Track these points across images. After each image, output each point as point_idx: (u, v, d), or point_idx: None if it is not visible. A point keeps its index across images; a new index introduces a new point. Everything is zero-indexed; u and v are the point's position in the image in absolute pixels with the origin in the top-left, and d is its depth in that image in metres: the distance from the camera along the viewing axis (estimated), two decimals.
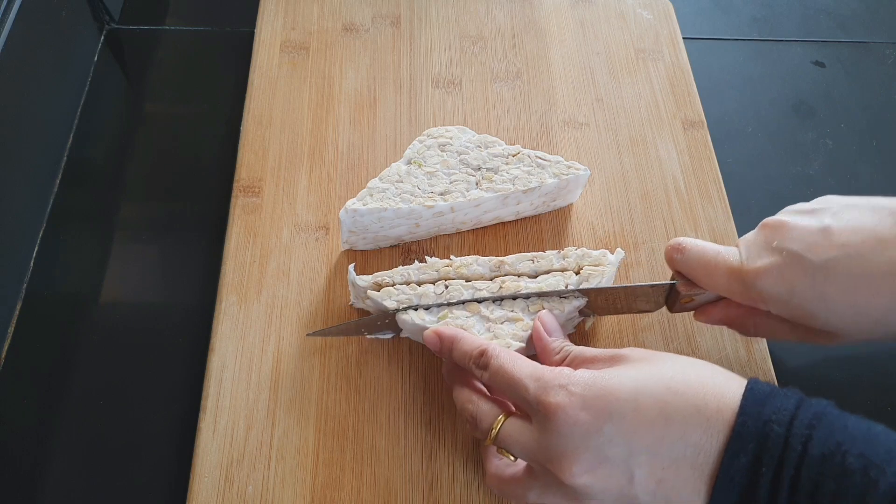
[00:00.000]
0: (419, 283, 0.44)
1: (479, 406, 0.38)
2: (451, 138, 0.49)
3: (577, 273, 0.45)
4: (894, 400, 0.49)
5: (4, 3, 0.49)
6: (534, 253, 0.46)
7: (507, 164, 0.49)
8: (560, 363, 0.39)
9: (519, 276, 0.45)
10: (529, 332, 0.42)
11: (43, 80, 0.54)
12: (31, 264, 0.51)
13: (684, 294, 0.42)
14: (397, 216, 0.47)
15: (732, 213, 0.54)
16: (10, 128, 0.50)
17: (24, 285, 0.50)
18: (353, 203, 0.46)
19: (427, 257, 0.46)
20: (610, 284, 0.46)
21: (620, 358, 0.36)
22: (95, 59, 0.61)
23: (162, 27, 0.64)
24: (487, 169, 0.48)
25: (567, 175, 0.49)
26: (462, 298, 0.44)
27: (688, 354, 0.47)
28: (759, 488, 0.31)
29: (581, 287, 0.43)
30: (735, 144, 0.61)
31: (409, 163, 0.48)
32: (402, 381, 0.45)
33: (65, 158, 0.56)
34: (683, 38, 0.63)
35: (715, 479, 0.32)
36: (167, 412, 0.46)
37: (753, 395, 0.33)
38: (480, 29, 0.62)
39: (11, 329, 0.48)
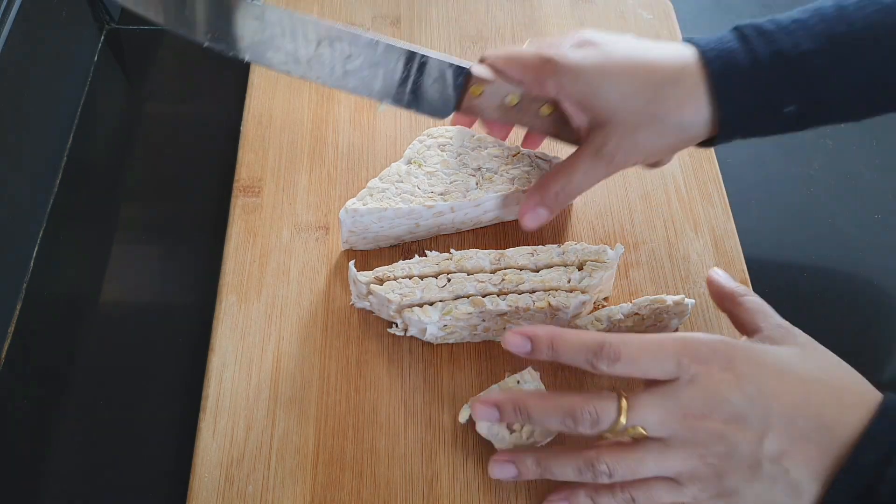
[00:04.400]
0: (421, 277, 0.44)
1: (593, 400, 0.37)
2: (450, 138, 0.49)
3: (580, 269, 0.45)
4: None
5: (4, 3, 0.49)
6: (533, 247, 0.46)
7: (506, 164, 0.49)
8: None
9: (520, 269, 0.45)
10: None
11: (43, 80, 0.54)
12: (31, 264, 0.51)
13: (476, 80, 0.43)
14: (397, 216, 0.47)
15: (732, 213, 0.53)
16: (10, 128, 0.50)
17: (24, 285, 0.50)
18: (353, 203, 0.46)
19: (427, 251, 0.46)
20: (612, 280, 0.47)
21: (787, 336, 0.38)
22: (95, 59, 0.61)
23: (162, 27, 0.64)
24: (487, 169, 0.48)
25: None
26: (467, 291, 0.44)
27: None
28: (882, 484, 0.32)
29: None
30: (735, 144, 0.60)
31: (409, 163, 0.48)
32: (402, 381, 0.45)
33: (65, 158, 0.56)
34: (683, 39, 0.63)
35: (838, 470, 0.33)
36: (167, 412, 0.46)
37: (893, 402, 0.34)
38: (480, 29, 0.62)
39: (11, 329, 0.48)
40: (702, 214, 0.53)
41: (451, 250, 0.46)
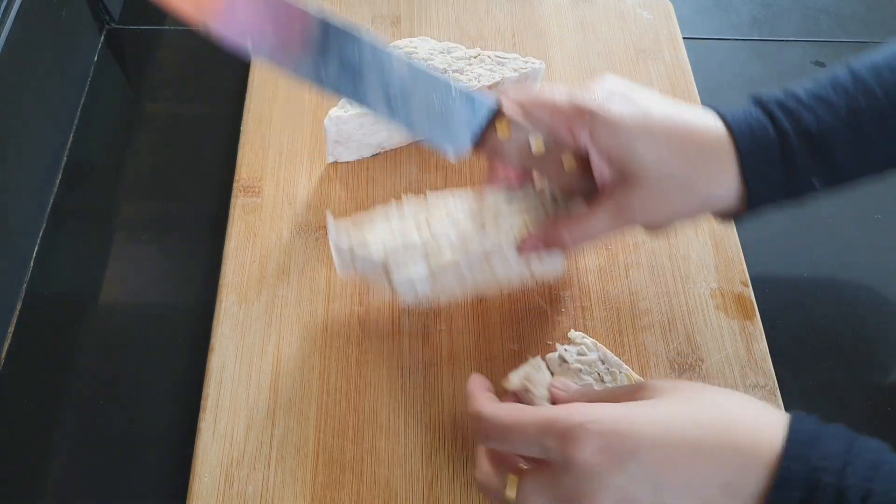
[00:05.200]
0: (400, 227, 0.43)
1: (484, 473, 0.36)
2: (415, 48, 0.53)
3: (556, 201, 0.44)
4: (895, 400, 0.49)
5: (4, 3, 0.49)
6: (509, 190, 0.44)
7: (470, 65, 0.53)
8: (578, 399, 0.37)
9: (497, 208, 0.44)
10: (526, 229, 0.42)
11: (43, 80, 0.54)
12: (31, 264, 0.51)
13: (505, 118, 0.41)
14: (377, 120, 0.50)
15: None
16: (10, 128, 0.50)
17: (24, 285, 0.50)
18: (335, 111, 0.49)
19: (403, 195, 0.46)
20: None
21: (643, 389, 0.35)
22: (95, 59, 0.61)
23: (162, 27, 0.64)
24: (454, 70, 0.52)
25: (525, 69, 0.53)
26: (448, 236, 0.42)
27: (687, 354, 0.47)
28: None
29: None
30: None
31: None
32: (402, 381, 0.45)
33: (65, 158, 0.56)
34: (683, 38, 0.63)
35: None
36: (167, 412, 0.46)
37: (797, 436, 0.31)
38: (480, 29, 0.62)
39: (11, 329, 0.48)
40: None
41: (427, 192, 0.45)
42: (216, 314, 0.47)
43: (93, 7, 0.61)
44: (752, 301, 0.50)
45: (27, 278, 0.50)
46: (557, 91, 0.40)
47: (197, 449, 0.42)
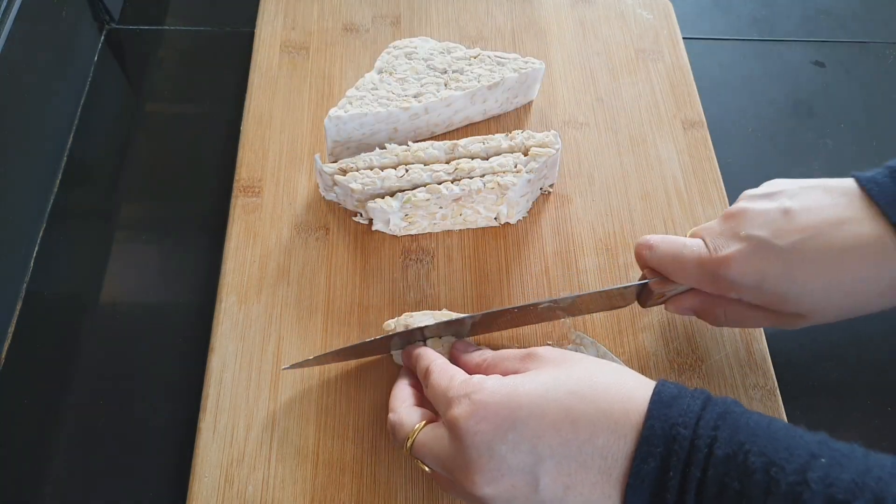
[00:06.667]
0: (382, 168, 0.48)
1: (400, 414, 0.39)
2: (415, 47, 0.54)
3: (525, 154, 0.49)
4: (895, 400, 0.49)
5: (4, 3, 0.49)
6: (484, 136, 0.50)
7: (470, 65, 0.54)
8: (478, 368, 0.39)
9: (472, 157, 0.49)
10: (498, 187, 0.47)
11: (43, 80, 0.54)
12: (31, 264, 0.51)
13: (657, 291, 0.43)
14: (377, 121, 0.51)
15: None
16: (10, 128, 0.50)
17: (24, 285, 0.50)
18: (335, 111, 0.49)
19: (386, 144, 0.49)
20: (556, 168, 0.52)
21: (531, 358, 0.37)
22: (95, 59, 0.61)
23: (162, 27, 0.64)
24: (454, 71, 0.53)
25: (525, 69, 0.54)
26: (423, 180, 0.47)
27: (687, 354, 0.47)
28: (667, 492, 0.30)
29: (560, 298, 0.44)
30: (735, 144, 0.61)
31: (380, 72, 0.53)
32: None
33: (65, 158, 0.56)
34: (683, 38, 0.63)
35: (625, 485, 0.31)
36: (167, 412, 0.46)
37: (660, 397, 0.32)
38: (480, 29, 0.62)
39: (11, 329, 0.48)
40: (702, 214, 0.53)
41: (409, 143, 0.49)
42: (216, 314, 0.47)
43: (93, 7, 0.61)
44: None
45: (27, 278, 0.50)
46: (684, 251, 0.40)
47: (197, 449, 0.42)
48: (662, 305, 0.45)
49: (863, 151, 0.61)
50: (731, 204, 0.54)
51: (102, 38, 0.63)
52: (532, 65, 0.54)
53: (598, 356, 0.43)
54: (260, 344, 0.46)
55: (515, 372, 0.36)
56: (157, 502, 0.43)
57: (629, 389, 0.33)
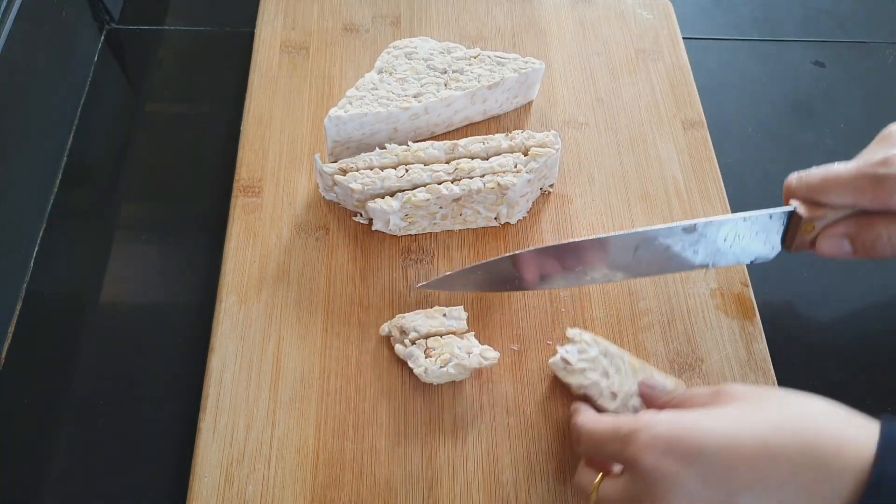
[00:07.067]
0: (382, 168, 0.48)
1: (579, 473, 0.39)
2: (415, 47, 0.54)
3: (525, 154, 0.49)
4: (895, 400, 0.49)
5: (4, 3, 0.49)
6: (484, 136, 0.50)
7: (470, 65, 0.53)
8: (665, 407, 0.39)
9: (472, 157, 0.49)
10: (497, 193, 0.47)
11: (43, 80, 0.54)
12: (31, 264, 0.51)
13: (806, 218, 0.40)
14: (377, 121, 0.50)
15: (732, 213, 0.53)
16: (10, 128, 0.50)
17: (24, 285, 0.50)
18: (335, 111, 0.49)
19: (386, 144, 0.49)
20: (556, 168, 0.51)
21: (721, 394, 0.35)
22: (95, 59, 0.61)
23: (162, 27, 0.64)
24: (454, 71, 0.53)
25: (525, 69, 0.54)
26: (423, 180, 0.47)
27: (687, 354, 0.47)
28: None
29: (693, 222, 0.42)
30: (735, 144, 0.61)
31: (380, 72, 0.52)
32: (402, 381, 0.45)
33: (65, 158, 0.56)
34: (683, 38, 0.63)
35: None
36: (167, 412, 0.46)
37: (891, 442, 0.30)
38: (480, 29, 0.62)
39: (11, 329, 0.48)
40: (702, 214, 0.53)
41: (409, 143, 0.49)
42: (216, 314, 0.47)
43: (93, 7, 0.61)
44: (751, 301, 0.50)
45: (27, 278, 0.50)
46: (837, 167, 0.39)
47: (197, 449, 0.42)
48: (811, 250, 0.42)
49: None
50: (730, 203, 0.54)
51: (102, 38, 0.63)
52: (532, 65, 0.54)
53: (600, 352, 0.43)
54: (260, 344, 0.46)
55: (703, 408, 0.35)
56: (157, 502, 0.43)
57: (841, 426, 0.31)
